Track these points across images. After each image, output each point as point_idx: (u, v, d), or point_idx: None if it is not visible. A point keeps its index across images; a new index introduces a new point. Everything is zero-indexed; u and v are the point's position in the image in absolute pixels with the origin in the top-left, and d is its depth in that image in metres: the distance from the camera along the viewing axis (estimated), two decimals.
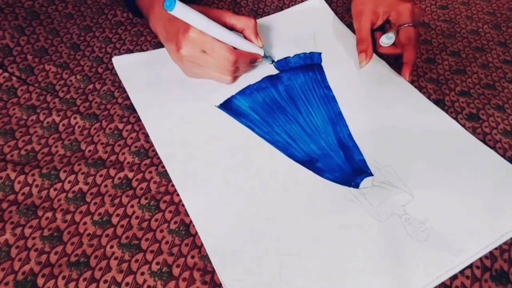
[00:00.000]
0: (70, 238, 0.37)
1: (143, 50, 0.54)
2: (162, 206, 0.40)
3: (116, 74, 0.51)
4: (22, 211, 0.38)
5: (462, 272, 0.36)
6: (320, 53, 0.55)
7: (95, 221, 0.38)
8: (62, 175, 0.41)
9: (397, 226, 0.38)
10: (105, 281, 0.35)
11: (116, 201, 0.40)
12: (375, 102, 0.49)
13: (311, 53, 0.55)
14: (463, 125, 0.47)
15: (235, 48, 0.46)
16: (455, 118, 0.49)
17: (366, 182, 0.41)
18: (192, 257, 0.36)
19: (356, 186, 0.41)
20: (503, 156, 0.45)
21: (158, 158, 0.43)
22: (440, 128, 0.46)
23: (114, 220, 0.38)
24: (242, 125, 0.46)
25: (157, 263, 0.36)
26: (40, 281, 0.34)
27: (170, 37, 0.46)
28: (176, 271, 0.36)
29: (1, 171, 0.41)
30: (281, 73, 0.52)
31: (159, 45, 0.54)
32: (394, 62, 0.55)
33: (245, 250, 0.37)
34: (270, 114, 0.48)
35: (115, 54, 0.53)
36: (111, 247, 0.37)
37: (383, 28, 0.56)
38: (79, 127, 0.45)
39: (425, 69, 0.55)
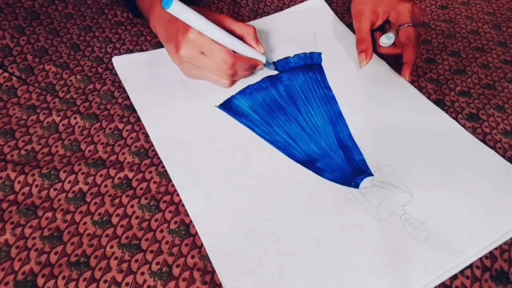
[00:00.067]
0: (70, 238, 0.37)
1: (143, 50, 0.54)
2: (162, 206, 0.40)
3: (116, 74, 0.51)
4: (22, 211, 0.38)
5: (462, 272, 0.36)
6: (320, 53, 0.55)
7: (95, 221, 0.38)
8: (62, 175, 0.41)
9: (397, 226, 0.38)
10: (105, 281, 0.35)
11: (116, 201, 0.40)
12: (375, 102, 0.49)
13: (311, 53, 0.55)
14: (463, 125, 0.47)
15: (234, 52, 0.46)
16: (455, 118, 0.49)
17: (366, 182, 0.41)
18: (192, 257, 0.36)
19: (356, 186, 0.41)
20: (503, 156, 0.45)
21: (158, 158, 0.43)
22: (440, 128, 0.46)
23: (114, 220, 0.38)
24: (242, 125, 0.46)
25: (157, 263, 0.36)
26: (40, 281, 0.34)
27: (169, 38, 0.46)
28: (176, 271, 0.36)
29: (1, 171, 0.41)
30: (281, 73, 0.52)
31: (159, 45, 0.54)
32: (394, 62, 0.55)
33: (245, 250, 0.37)
34: (270, 114, 0.48)
35: (115, 54, 0.53)
36: (111, 247, 0.37)
37: (383, 28, 0.56)
38: (79, 127, 0.45)
39: (425, 69, 0.55)
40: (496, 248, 0.38)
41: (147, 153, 0.44)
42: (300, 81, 0.51)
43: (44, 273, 0.35)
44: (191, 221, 0.38)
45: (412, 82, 0.52)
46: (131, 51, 0.54)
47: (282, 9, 0.62)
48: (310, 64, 0.53)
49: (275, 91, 0.50)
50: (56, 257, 0.36)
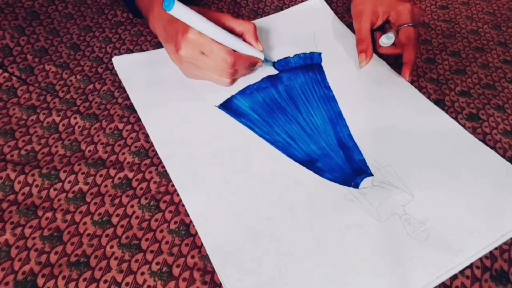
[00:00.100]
0: (70, 238, 0.37)
1: (143, 50, 0.54)
2: (162, 206, 0.40)
3: (116, 74, 0.51)
4: (22, 211, 0.38)
5: (462, 272, 0.36)
6: (320, 53, 0.55)
7: (95, 221, 0.38)
8: (62, 175, 0.41)
9: (397, 226, 0.38)
10: (105, 281, 0.35)
11: (116, 201, 0.40)
12: (375, 102, 0.49)
13: (311, 53, 0.55)
14: (463, 125, 0.47)
15: (234, 51, 0.46)
16: (455, 118, 0.49)
17: (366, 182, 0.41)
18: (192, 257, 0.36)
19: (356, 186, 0.41)
20: (503, 156, 0.45)
21: (158, 158, 0.43)
22: (440, 128, 0.46)
23: (114, 220, 0.38)
24: (242, 125, 0.46)
25: (157, 263, 0.36)
26: (40, 281, 0.34)
27: (169, 38, 0.46)
28: (176, 271, 0.36)
29: (1, 171, 0.41)
30: (281, 73, 0.52)
31: (159, 45, 0.54)
32: (394, 62, 0.55)
33: (245, 250, 0.37)
34: (270, 114, 0.48)
35: (115, 54, 0.53)
36: (111, 247, 0.37)
37: (383, 28, 0.56)
38: (79, 127, 0.45)
39: (425, 69, 0.55)
40: (496, 248, 0.38)
41: (147, 153, 0.44)
42: (300, 81, 0.51)
43: (44, 273, 0.35)
44: (191, 221, 0.38)
45: (412, 82, 0.52)
46: (131, 51, 0.54)
47: (282, 9, 0.62)
48: (310, 64, 0.53)
49: (275, 91, 0.50)
50: (56, 257, 0.36)
